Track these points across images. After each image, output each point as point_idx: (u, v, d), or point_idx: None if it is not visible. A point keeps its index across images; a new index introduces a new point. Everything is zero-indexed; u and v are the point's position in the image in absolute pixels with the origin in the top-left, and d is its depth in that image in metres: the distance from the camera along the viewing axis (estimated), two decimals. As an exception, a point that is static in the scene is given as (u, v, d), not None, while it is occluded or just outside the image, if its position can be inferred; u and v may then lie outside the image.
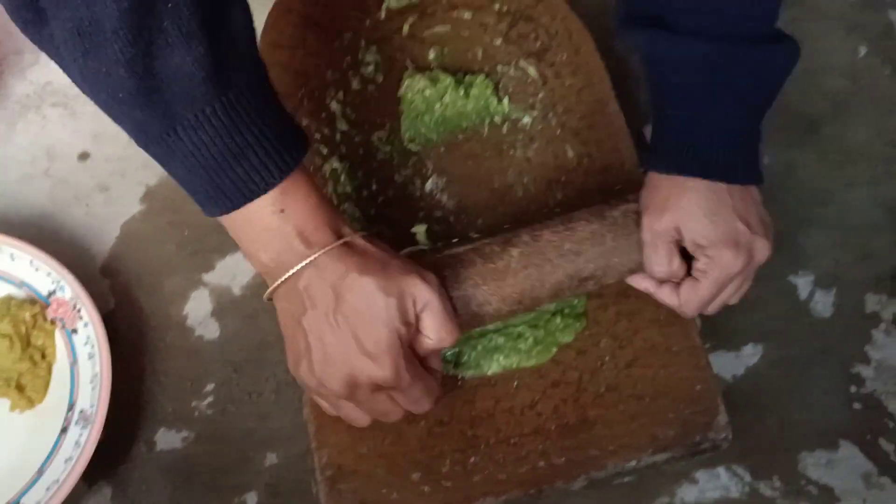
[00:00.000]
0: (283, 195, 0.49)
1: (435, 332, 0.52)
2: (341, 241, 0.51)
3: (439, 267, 0.57)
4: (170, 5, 0.42)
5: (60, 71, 0.81)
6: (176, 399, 0.69)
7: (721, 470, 0.70)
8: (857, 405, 0.74)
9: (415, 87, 0.72)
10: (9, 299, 0.67)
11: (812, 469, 0.71)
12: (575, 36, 0.78)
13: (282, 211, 0.49)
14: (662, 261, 0.59)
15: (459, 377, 0.64)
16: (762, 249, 0.58)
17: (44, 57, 0.82)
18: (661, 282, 0.61)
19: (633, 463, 0.63)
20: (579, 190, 0.71)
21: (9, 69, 0.82)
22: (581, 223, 0.61)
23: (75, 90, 0.80)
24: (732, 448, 0.66)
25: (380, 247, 0.53)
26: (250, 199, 0.48)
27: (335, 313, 0.50)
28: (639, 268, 0.61)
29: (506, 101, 0.74)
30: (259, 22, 0.74)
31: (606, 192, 0.70)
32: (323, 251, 0.50)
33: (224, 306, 0.72)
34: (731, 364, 0.75)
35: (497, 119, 0.74)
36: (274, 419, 0.68)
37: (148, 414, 0.68)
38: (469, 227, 0.70)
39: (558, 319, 0.66)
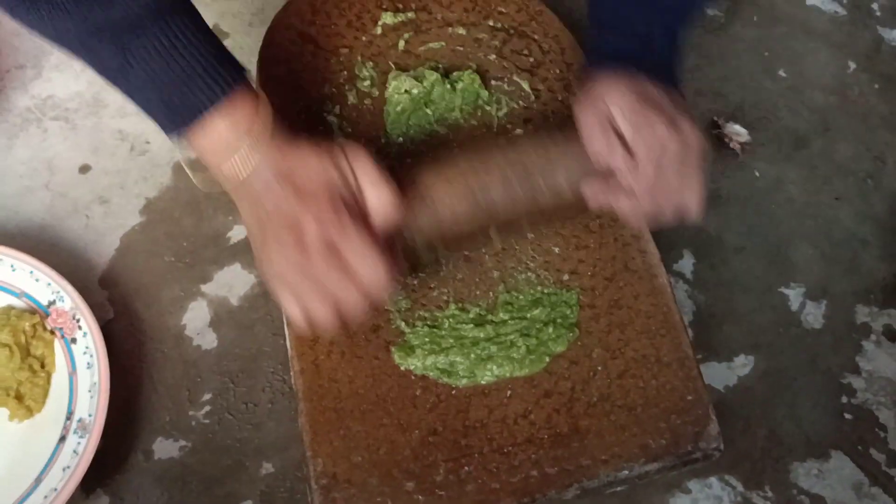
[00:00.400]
0: (232, 110, 0.54)
1: (375, 195, 0.56)
2: (280, 132, 0.56)
3: (396, 173, 0.59)
4: None
5: (61, 85, 0.84)
6: (173, 408, 0.69)
7: (713, 480, 0.71)
8: (847, 415, 0.75)
9: (401, 88, 0.73)
10: (9, 309, 0.68)
11: (803, 479, 0.72)
12: (567, 52, 0.79)
13: (233, 124, 0.54)
14: (599, 136, 0.60)
15: (453, 387, 0.65)
16: (692, 129, 0.59)
17: (45, 71, 0.84)
18: (612, 184, 0.61)
19: (625, 472, 0.64)
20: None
21: (10, 83, 0.83)
22: (524, 139, 0.65)
23: (75, 104, 0.82)
24: (724, 458, 0.67)
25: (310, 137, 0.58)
26: (200, 114, 0.53)
27: (280, 184, 0.54)
28: (587, 172, 0.62)
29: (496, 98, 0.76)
30: (258, 38, 0.76)
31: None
32: (263, 143, 0.54)
33: (221, 317, 0.73)
34: (723, 375, 0.75)
35: (489, 123, 0.75)
36: (269, 429, 0.69)
37: (145, 423, 0.69)
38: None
39: (551, 329, 0.67)
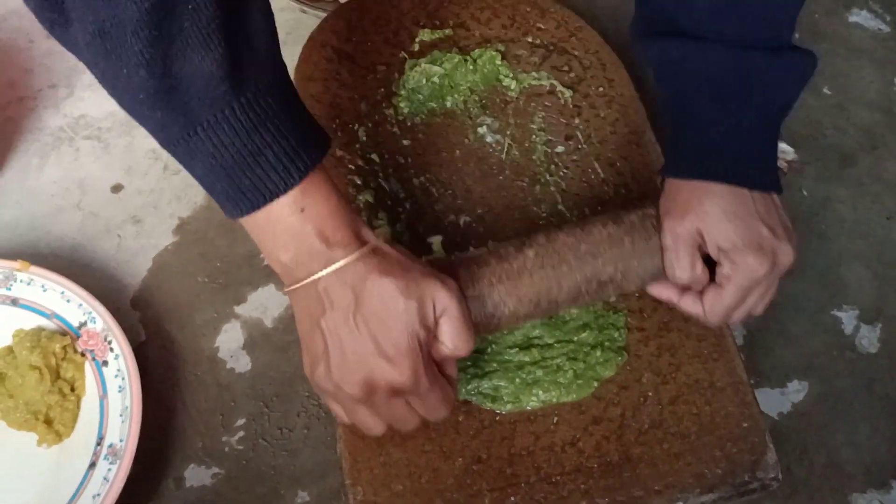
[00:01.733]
0: (302, 195, 0.48)
1: (451, 339, 0.52)
2: (366, 247, 0.50)
3: (455, 268, 0.57)
4: (190, 6, 0.42)
5: (94, 104, 0.83)
6: (206, 434, 0.67)
7: (769, 511, 0.68)
8: (908, 443, 0.71)
9: (418, 75, 0.73)
10: (39, 331, 0.66)
11: (864, 510, 0.68)
12: (609, 68, 0.78)
13: (302, 211, 0.48)
14: (685, 265, 0.57)
15: (497, 412, 0.62)
16: (786, 254, 0.57)
17: (78, 90, 0.83)
18: (684, 290, 0.60)
19: (680, 503, 0.61)
20: (617, 221, 0.70)
21: (43, 102, 0.82)
22: (598, 226, 0.60)
23: (108, 123, 0.81)
24: (781, 487, 0.63)
25: (400, 251, 0.53)
26: (269, 200, 0.47)
27: (355, 315, 0.49)
28: (659, 273, 0.60)
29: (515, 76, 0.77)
30: (294, 55, 0.75)
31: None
32: (348, 258, 0.49)
33: (255, 339, 0.71)
34: (777, 401, 0.72)
35: (533, 146, 0.73)
36: (305, 455, 0.66)
37: (177, 449, 0.66)
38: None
39: (598, 353, 0.64)
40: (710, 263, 0.58)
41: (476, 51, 0.76)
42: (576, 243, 0.59)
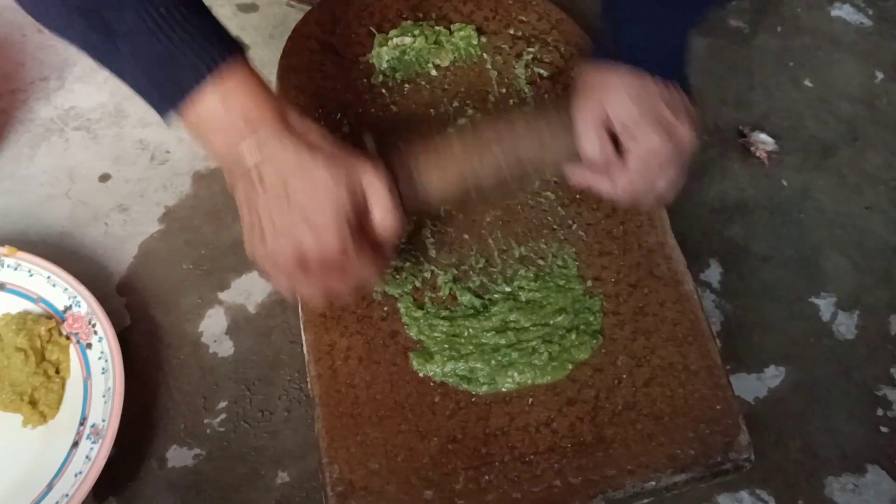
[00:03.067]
0: (223, 87, 0.52)
1: (379, 213, 0.55)
2: (283, 119, 0.54)
3: (384, 154, 0.59)
4: None
5: (84, 96, 0.84)
6: (188, 416, 0.68)
7: (744, 494, 0.68)
8: (884, 428, 0.72)
9: (390, 49, 0.76)
10: (25, 314, 0.68)
11: (839, 494, 0.69)
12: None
13: (224, 101, 0.52)
14: (592, 139, 0.61)
15: (473, 394, 0.63)
16: (686, 134, 0.60)
17: (68, 82, 0.85)
18: (596, 171, 0.63)
19: (653, 483, 0.61)
20: (593, 209, 0.71)
21: (34, 94, 0.84)
22: (520, 120, 0.63)
23: (97, 115, 0.83)
24: (756, 471, 0.64)
25: (324, 134, 0.55)
26: (187, 92, 0.51)
27: (286, 195, 0.52)
28: (576, 159, 0.63)
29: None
30: (278, 51, 0.76)
31: (620, 211, 0.70)
32: (265, 129, 0.52)
33: (239, 324, 0.72)
34: (753, 386, 0.73)
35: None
36: (286, 437, 0.68)
37: (160, 430, 0.67)
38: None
39: (573, 335, 0.65)
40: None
41: (455, 24, 0.78)
42: (496, 129, 0.63)
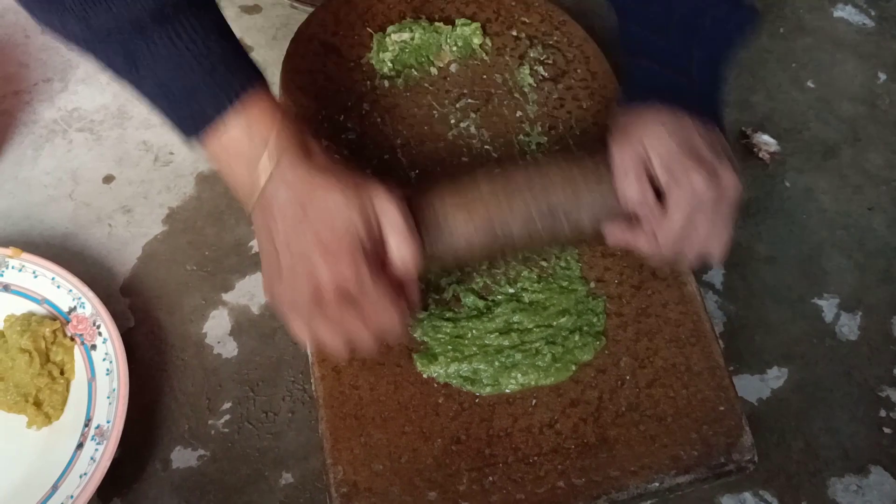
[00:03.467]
0: (245, 114, 0.52)
1: (395, 240, 0.54)
2: (304, 148, 0.54)
3: (409, 196, 0.57)
4: None
5: (87, 98, 0.84)
6: (192, 417, 0.68)
7: (747, 495, 0.68)
8: (886, 429, 0.72)
9: (390, 43, 0.76)
10: (29, 315, 0.68)
11: (842, 495, 0.69)
12: (592, 61, 0.79)
13: (247, 129, 0.52)
14: (632, 182, 0.58)
15: (477, 395, 0.64)
16: (731, 179, 0.57)
17: (72, 84, 0.85)
18: (635, 226, 0.60)
19: (656, 484, 0.61)
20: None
21: (38, 96, 0.84)
22: (552, 167, 0.61)
23: (101, 116, 0.83)
24: (759, 472, 0.64)
25: (344, 163, 0.56)
26: (210, 121, 0.52)
27: (301, 222, 0.52)
28: (612, 211, 0.60)
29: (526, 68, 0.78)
30: (282, 52, 0.76)
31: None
32: (285, 157, 0.52)
33: (242, 325, 0.72)
34: (756, 387, 0.73)
35: (515, 137, 0.74)
36: (289, 438, 0.68)
37: (164, 432, 0.68)
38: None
39: (577, 337, 0.65)
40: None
41: (458, 19, 0.78)
42: (529, 178, 0.60)
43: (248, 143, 0.52)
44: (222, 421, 0.68)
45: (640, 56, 0.63)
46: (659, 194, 0.58)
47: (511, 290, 0.67)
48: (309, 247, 0.52)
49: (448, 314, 0.65)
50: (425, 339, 0.64)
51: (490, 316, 0.66)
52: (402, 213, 0.54)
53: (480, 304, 0.66)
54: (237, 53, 0.54)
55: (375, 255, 0.54)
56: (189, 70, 0.51)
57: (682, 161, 0.56)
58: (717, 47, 0.63)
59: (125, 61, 0.51)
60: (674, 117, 0.58)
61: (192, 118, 0.52)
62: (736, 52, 0.63)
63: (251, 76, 0.54)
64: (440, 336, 0.65)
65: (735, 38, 0.63)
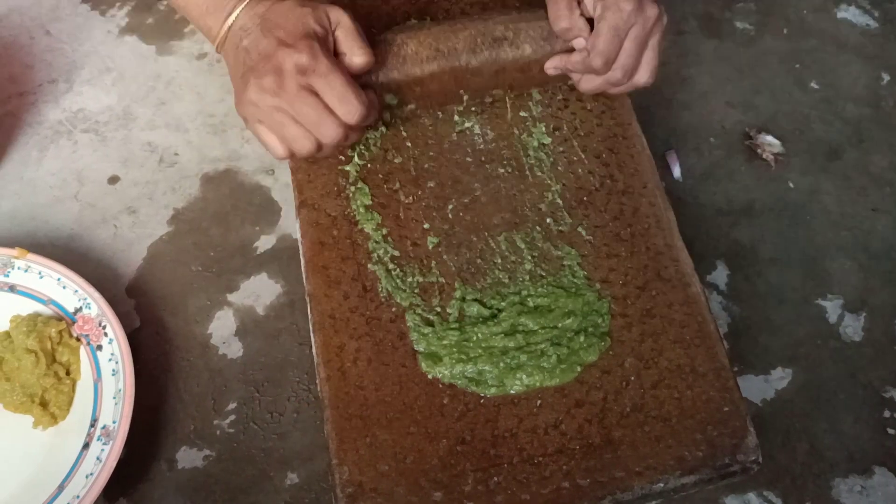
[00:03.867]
0: None
1: (349, 46, 0.62)
2: None
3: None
4: None
5: (92, 99, 0.85)
6: (198, 417, 0.68)
7: (752, 496, 0.68)
8: (891, 430, 0.72)
9: None
10: (35, 316, 0.68)
11: (846, 496, 0.69)
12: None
13: None
14: (563, 10, 0.66)
15: (482, 396, 0.64)
16: (654, 9, 0.65)
17: (76, 85, 0.85)
18: (570, 51, 0.68)
19: (661, 485, 0.61)
20: (601, 211, 0.71)
21: (42, 97, 0.84)
22: (496, 12, 0.71)
23: (105, 117, 0.83)
24: (763, 473, 0.64)
25: None
26: None
27: (263, 34, 0.60)
28: (548, 36, 0.69)
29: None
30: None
31: (628, 214, 0.70)
32: None
33: (247, 326, 0.73)
34: (760, 388, 0.73)
35: (519, 137, 0.74)
36: (294, 439, 0.68)
37: (169, 432, 0.68)
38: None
39: (582, 338, 0.65)
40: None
41: None
42: (468, 10, 0.73)
43: None
44: (227, 421, 0.68)
45: None
46: (590, 23, 0.66)
47: (516, 297, 0.67)
48: (270, 45, 0.59)
49: (454, 325, 0.66)
50: (431, 348, 0.64)
51: (496, 320, 0.66)
52: (354, 21, 0.63)
53: (486, 312, 0.66)
54: None
55: (332, 57, 0.61)
56: None
57: None
58: None
59: None
60: None
61: None
62: None
63: None
64: (445, 343, 0.65)
65: None
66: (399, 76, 0.68)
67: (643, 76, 0.68)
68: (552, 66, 0.70)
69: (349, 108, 0.60)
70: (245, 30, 0.61)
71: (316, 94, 0.59)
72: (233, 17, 0.62)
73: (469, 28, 0.68)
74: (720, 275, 0.79)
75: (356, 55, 0.62)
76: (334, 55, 0.62)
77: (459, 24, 0.69)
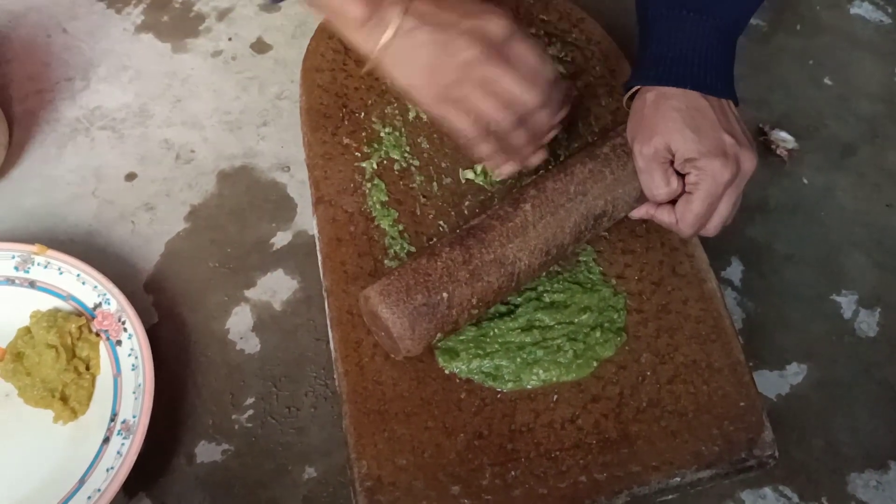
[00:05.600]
0: None
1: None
2: None
3: (464, 238, 0.62)
4: None
5: (109, 96, 0.85)
6: (216, 412, 0.69)
7: (767, 490, 0.69)
8: (906, 426, 0.72)
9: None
10: (55, 312, 0.69)
11: (862, 491, 0.69)
12: (611, 58, 0.79)
13: None
14: (660, 182, 0.62)
15: (499, 391, 0.64)
16: (749, 159, 0.61)
17: (93, 83, 0.86)
18: (659, 204, 0.64)
19: (678, 479, 0.62)
20: (617, 206, 0.71)
21: (60, 94, 0.85)
22: (577, 166, 0.66)
23: (123, 114, 0.84)
24: (779, 468, 0.65)
25: None
26: None
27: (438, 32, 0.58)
28: (642, 195, 0.65)
29: None
30: (303, 48, 0.77)
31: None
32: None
33: (264, 321, 0.73)
34: (776, 383, 0.73)
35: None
36: (312, 433, 0.68)
37: (188, 427, 0.68)
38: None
39: (598, 333, 0.66)
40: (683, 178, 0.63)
41: None
42: (564, 187, 0.64)
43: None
44: (246, 416, 0.69)
45: (648, 29, 0.65)
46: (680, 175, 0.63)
47: (532, 293, 0.68)
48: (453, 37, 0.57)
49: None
50: (449, 344, 0.65)
51: (512, 315, 0.66)
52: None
53: (502, 307, 0.67)
54: None
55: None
56: None
57: (703, 153, 0.59)
58: (727, 14, 0.63)
59: None
60: (689, 107, 0.60)
61: None
62: (746, 22, 0.65)
63: None
64: (462, 338, 0.65)
65: (747, 5, 0.65)
66: (505, 283, 0.64)
67: (711, 230, 0.64)
68: (639, 216, 0.68)
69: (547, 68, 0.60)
70: (413, 30, 0.58)
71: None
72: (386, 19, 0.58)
73: (573, 216, 0.64)
74: (735, 271, 0.79)
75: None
76: None
77: (561, 209, 0.64)
